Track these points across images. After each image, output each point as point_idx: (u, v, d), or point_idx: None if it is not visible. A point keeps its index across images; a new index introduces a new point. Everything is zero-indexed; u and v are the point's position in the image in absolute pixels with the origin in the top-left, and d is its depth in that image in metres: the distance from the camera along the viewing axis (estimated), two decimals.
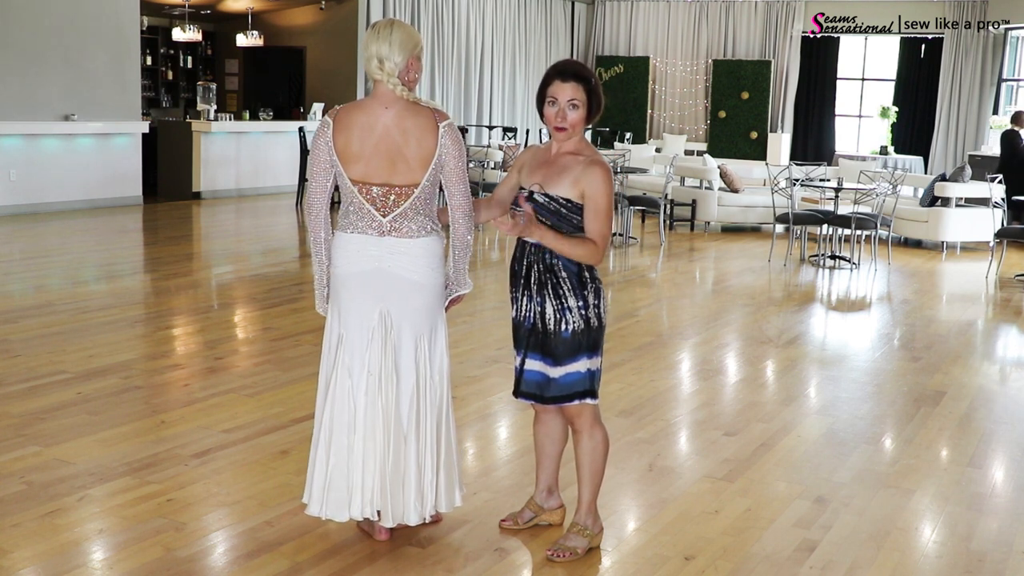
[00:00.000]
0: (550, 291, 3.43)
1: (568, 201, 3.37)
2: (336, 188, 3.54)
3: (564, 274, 3.41)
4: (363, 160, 3.41)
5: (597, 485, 3.63)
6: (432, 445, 3.56)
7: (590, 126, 3.59)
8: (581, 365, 3.48)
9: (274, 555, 3.52)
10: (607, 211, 3.38)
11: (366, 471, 3.50)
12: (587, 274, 3.45)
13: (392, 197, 3.43)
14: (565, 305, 3.42)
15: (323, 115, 3.55)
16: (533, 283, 3.45)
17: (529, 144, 18.65)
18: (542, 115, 3.44)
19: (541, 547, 3.66)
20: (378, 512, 3.55)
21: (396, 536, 3.67)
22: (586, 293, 3.43)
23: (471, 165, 13.11)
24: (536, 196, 3.40)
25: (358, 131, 3.41)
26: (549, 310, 3.44)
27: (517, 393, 3.61)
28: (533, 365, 3.52)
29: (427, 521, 3.64)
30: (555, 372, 3.49)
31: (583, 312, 3.43)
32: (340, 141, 3.42)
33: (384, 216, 3.45)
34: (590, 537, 3.61)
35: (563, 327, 3.43)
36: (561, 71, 3.38)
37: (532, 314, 3.47)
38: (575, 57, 20.85)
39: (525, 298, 3.50)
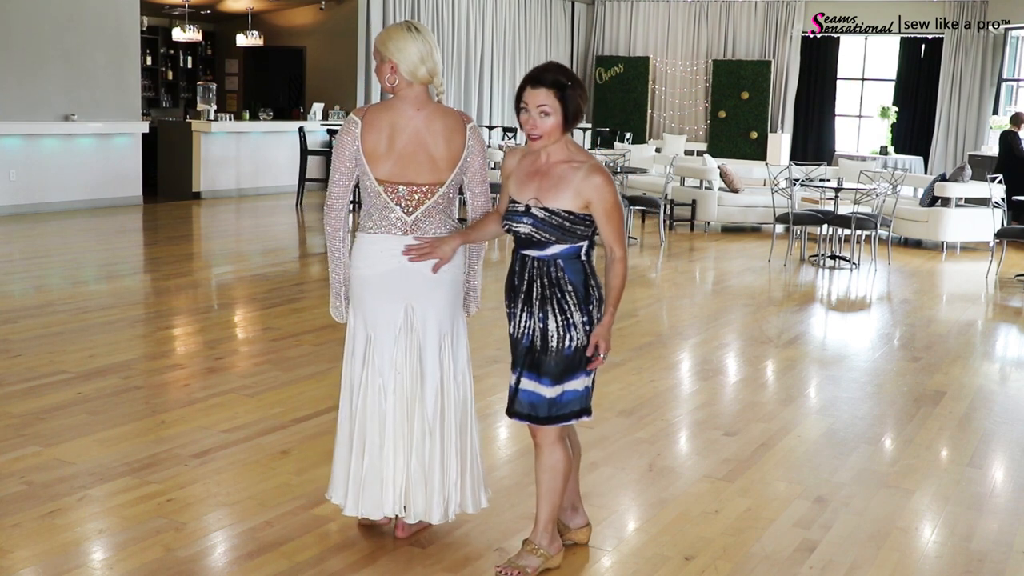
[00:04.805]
0: (554, 306, 3.30)
1: (570, 213, 3.25)
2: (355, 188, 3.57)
3: (570, 287, 3.29)
4: (391, 160, 3.44)
5: (554, 504, 3.44)
6: (456, 444, 3.57)
7: (589, 127, 3.48)
8: (580, 383, 3.36)
9: (274, 555, 3.52)
10: (618, 213, 3.29)
11: (396, 468, 3.52)
12: (593, 282, 3.35)
13: (417, 196, 3.47)
14: (570, 320, 3.29)
15: (348, 114, 3.57)
16: (535, 299, 3.32)
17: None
18: (520, 123, 3.31)
19: None
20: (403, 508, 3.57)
21: (396, 536, 3.67)
22: (591, 308, 3.32)
23: None
24: (535, 211, 3.27)
25: (388, 131, 3.44)
26: (552, 326, 3.30)
27: (511, 413, 3.43)
28: (527, 385, 3.37)
29: (451, 520, 3.62)
30: (552, 392, 3.34)
31: (587, 328, 3.32)
32: (369, 141, 3.44)
33: (409, 215, 3.47)
34: (544, 558, 3.45)
35: (567, 343, 3.30)
36: (532, 77, 3.24)
37: (531, 331, 3.34)
38: (575, 57, 20.84)
39: (525, 315, 3.35)
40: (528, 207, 3.29)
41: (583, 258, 3.34)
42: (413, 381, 3.51)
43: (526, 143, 3.33)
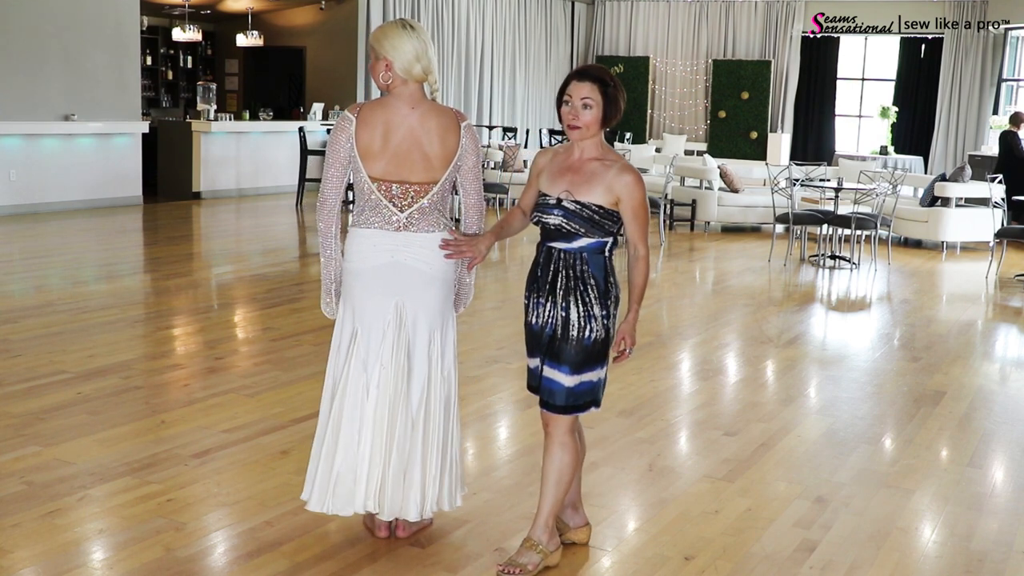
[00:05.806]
0: (577, 297, 3.39)
1: (601, 208, 3.37)
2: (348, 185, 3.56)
3: (592, 281, 3.40)
4: (385, 158, 3.45)
5: (557, 500, 3.48)
6: (438, 441, 3.56)
7: (607, 129, 3.55)
8: (595, 374, 3.46)
9: (274, 555, 3.52)
10: (645, 213, 3.41)
11: (372, 464, 3.50)
12: (612, 279, 3.44)
13: (411, 194, 3.47)
14: (591, 313, 3.39)
15: (342, 112, 3.58)
16: (559, 289, 3.42)
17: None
18: (560, 116, 3.45)
19: None
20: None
21: (396, 536, 3.67)
22: (608, 303, 3.43)
23: None
24: (566, 203, 3.38)
25: (382, 129, 3.44)
26: (574, 316, 3.40)
27: (541, 403, 3.51)
28: (549, 373, 3.46)
29: (425, 518, 3.62)
30: (570, 381, 3.43)
31: (605, 321, 3.42)
32: (363, 138, 3.44)
33: (402, 212, 3.47)
34: (544, 554, 3.47)
35: (587, 334, 3.39)
36: (580, 72, 3.40)
37: (554, 319, 3.43)
38: (575, 57, 20.85)
39: (549, 304, 3.44)
40: (560, 199, 3.40)
41: (606, 254, 3.45)
42: (398, 377, 3.49)
43: (555, 141, 3.41)
